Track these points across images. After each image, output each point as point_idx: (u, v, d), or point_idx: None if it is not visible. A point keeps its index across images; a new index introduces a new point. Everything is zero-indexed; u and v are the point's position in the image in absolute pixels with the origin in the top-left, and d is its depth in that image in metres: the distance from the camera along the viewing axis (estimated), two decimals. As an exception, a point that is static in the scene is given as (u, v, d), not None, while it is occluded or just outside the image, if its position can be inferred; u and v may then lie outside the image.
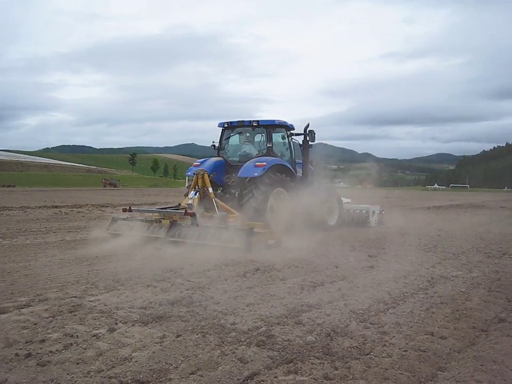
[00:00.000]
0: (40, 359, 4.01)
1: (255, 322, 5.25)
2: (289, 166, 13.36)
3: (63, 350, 4.24)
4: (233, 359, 4.12)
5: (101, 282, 6.99)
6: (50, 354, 4.13)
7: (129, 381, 3.68)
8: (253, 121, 13.33)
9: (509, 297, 6.61)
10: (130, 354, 4.17)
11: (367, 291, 6.88)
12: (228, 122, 13.87)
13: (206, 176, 12.18)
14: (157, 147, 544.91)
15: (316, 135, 14.12)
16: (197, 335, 4.70)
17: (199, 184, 12.14)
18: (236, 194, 12.73)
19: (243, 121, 13.62)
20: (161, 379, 3.76)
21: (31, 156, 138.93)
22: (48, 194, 34.81)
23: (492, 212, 25.73)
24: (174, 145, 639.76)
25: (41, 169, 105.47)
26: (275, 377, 3.82)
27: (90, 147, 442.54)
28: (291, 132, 14.14)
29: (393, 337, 4.87)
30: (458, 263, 9.28)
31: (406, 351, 4.47)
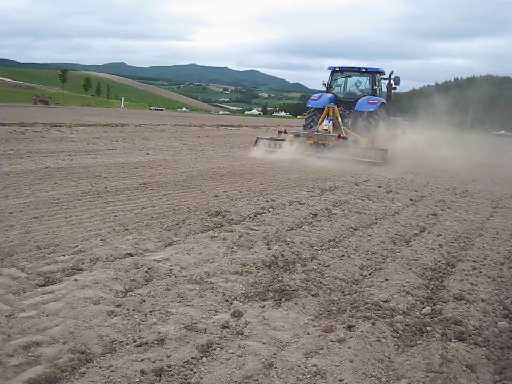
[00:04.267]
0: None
1: (403, 297, 3.94)
2: (386, 104, 16.85)
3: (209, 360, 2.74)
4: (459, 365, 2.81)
5: (147, 230, 5.31)
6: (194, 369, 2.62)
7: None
8: (362, 68, 16.99)
9: None
10: (309, 360, 2.75)
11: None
12: (338, 67, 17.54)
13: (336, 108, 15.23)
14: (84, 64, 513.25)
15: (400, 79, 17.41)
16: (363, 322, 3.33)
17: (330, 114, 15.08)
18: (349, 123, 15.92)
19: (352, 67, 17.52)
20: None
21: None
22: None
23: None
24: (102, 63, 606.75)
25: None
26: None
27: (13, 61, 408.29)
28: (382, 76, 17.68)
29: None
30: None
31: None
